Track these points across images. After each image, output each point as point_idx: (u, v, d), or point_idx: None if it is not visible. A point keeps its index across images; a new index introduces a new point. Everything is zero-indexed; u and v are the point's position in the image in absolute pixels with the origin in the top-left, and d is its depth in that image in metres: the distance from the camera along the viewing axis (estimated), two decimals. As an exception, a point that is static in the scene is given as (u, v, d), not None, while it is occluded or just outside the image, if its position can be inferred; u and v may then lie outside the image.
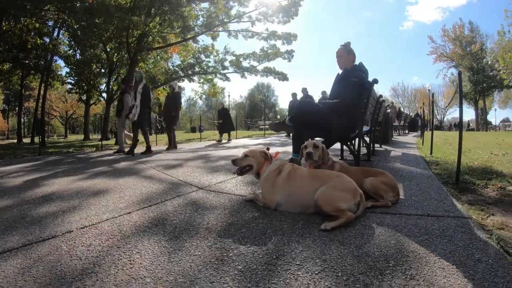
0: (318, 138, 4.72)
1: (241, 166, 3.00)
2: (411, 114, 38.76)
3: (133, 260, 1.87)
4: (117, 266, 1.80)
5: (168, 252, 1.97)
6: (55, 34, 24.80)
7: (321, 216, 2.48)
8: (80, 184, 4.35)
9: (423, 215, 2.60)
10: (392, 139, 12.17)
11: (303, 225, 2.39)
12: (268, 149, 3.10)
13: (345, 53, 4.51)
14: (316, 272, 1.68)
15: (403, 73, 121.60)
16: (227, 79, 26.14)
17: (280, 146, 9.70)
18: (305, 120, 4.34)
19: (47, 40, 23.80)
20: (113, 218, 2.72)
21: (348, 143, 4.79)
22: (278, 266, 1.76)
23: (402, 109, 39.14)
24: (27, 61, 24.50)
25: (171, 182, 4.21)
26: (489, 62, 40.87)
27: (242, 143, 12.27)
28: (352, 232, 2.23)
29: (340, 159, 5.77)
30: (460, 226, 2.33)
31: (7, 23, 17.88)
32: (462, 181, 3.83)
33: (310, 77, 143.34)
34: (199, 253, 1.94)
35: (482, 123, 50.06)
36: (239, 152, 7.50)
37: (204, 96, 32.33)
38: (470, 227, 2.30)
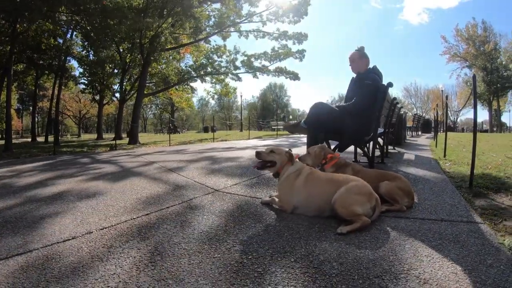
0: (332, 141, 4.78)
1: (264, 161, 3.02)
2: (424, 115, 38.40)
3: (154, 262, 1.94)
4: (139, 268, 1.87)
5: (189, 254, 2.04)
6: (69, 35, 25.19)
7: (336, 219, 2.53)
8: (96, 184, 4.45)
9: (437, 219, 2.63)
10: (405, 141, 12.10)
11: (320, 228, 2.45)
12: (291, 150, 3.14)
13: (358, 58, 4.55)
14: (334, 275, 1.74)
15: (405, 75, 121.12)
16: (239, 79, 26.37)
17: (291, 147, 9.71)
18: (319, 122, 4.38)
19: (61, 41, 24.16)
20: (132, 219, 2.80)
21: (363, 146, 4.81)
22: (296, 269, 1.82)
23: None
24: (41, 62, 24.92)
25: (187, 183, 4.27)
26: (504, 62, 40.30)
27: (252, 144, 12.27)
28: (368, 236, 2.28)
29: (353, 161, 5.79)
30: (473, 231, 2.36)
31: (21, 24, 18.17)
32: (475, 186, 3.84)
33: (321, 77, 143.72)
34: (219, 255, 2.01)
35: (496, 125, 49.40)
36: (249, 154, 7.62)
37: (216, 96, 32.56)
38: (483, 233, 2.33)
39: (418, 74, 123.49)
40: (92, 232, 2.50)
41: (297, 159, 3.14)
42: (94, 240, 2.33)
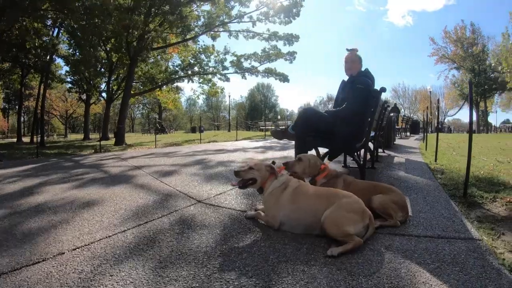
0: (321, 148, 4.62)
1: (244, 179, 2.85)
2: (412, 116, 38.77)
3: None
4: (110, 298, 1.68)
5: (164, 282, 1.85)
6: (55, 33, 24.74)
7: (326, 238, 2.36)
8: (74, 193, 4.21)
9: (433, 236, 2.49)
10: (395, 143, 12.03)
11: (308, 249, 2.27)
12: (273, 162, 2.96)
13: (357, 60, 4.39)
14: (324, 310, 1.56)
15: (391, 76, 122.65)
16: (227, 79, 26.14)
17: (281, 150, 9.57)
18: (307, 128, 4.21)
19: (47, 39, 23.70)
20: (107, 237, 2.59)
21: (353, 153, 4.65)
22: (282, 302, 1.63)
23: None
24: (26, 61, 24.46)
25: (169, 192, 4.07)
26: (492, 64, 40.85)
27: (241, 146, 12.05)
28: (360, 258, 2.11)
29: (343, 166, 5.66)
30: (471, 250, 2.23)
31: (5, 23, 17.73)
32: (470, 195, 3.73)
33: (309, 77, 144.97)
34: (198, 284, 1.82)
35: (483, 125, 50.06)
36: (239, 157, 7.44)
37: (203, 96, 32.36)
38: (482, 252, 2.21)
39: (405, 75, 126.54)
40: (63, 253, 2.29)
41: (282, 171, 2.96)
42: (65, 263, 2.13)
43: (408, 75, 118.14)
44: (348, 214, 2.33)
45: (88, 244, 2.45)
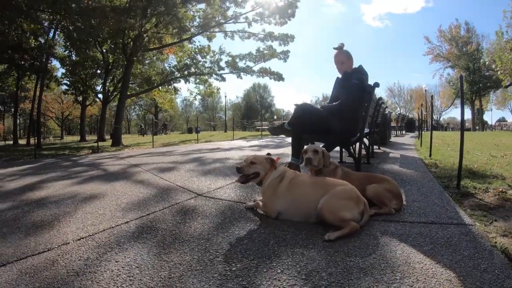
0: (318, 142, 4.68)
1: (246, 174, 2.86)
2: (408, 114, 38.96)
3: (132, 276, 1.80)
4: (116, 283, 1.74)
5: (169, 266, 1.91)
6: (51, 35, 24.65)
7: (323, 225, 2.43)
8: (75, 189, 4.27)
9: (427, 222, 2.56)
10: (390, 140, 12.13)
11: (306, 235, 2.34)
12: (269, 154, 3.03)
13: (346, 59, 4.43)
14: (323, 287, 1.64)
15: (382, 77, 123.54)
16: (223, 79, 26.17)
17: (276, 148, 9.64)
18: (304, 123, 4.27)
19: (43, 41, 23.62)
20: (110, 228, 2.65)
21: (349, 147, 4.72)
22: (283, 281, 1.70)
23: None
24: (22, 62, 24.32)
25: (169, 187, 4.14)
26: (486, 62, 41.09)
27: (237, 145, 12.12)
28: (357, 242, 2.18)
29: (339, 162, 5.73)
30: (464, 234, 2.30)
31: (1, 24, 17.65)
32: (463, 186, 3.81)
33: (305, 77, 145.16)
34: (201, 267, 1.89)
35: (478, 123, 50.33)
36: (235, 155, 7.51)
37: (199, 97, 32.34)
38: (474, 235, 2.27)
39: (391, 75, 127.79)
40: (68, 243, 2.35)
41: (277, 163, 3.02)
42: (70, 252, 2.18)
43: (395, 75, 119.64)
44: (343, 201, 2.41)
45: (92, 235, 2.51)
